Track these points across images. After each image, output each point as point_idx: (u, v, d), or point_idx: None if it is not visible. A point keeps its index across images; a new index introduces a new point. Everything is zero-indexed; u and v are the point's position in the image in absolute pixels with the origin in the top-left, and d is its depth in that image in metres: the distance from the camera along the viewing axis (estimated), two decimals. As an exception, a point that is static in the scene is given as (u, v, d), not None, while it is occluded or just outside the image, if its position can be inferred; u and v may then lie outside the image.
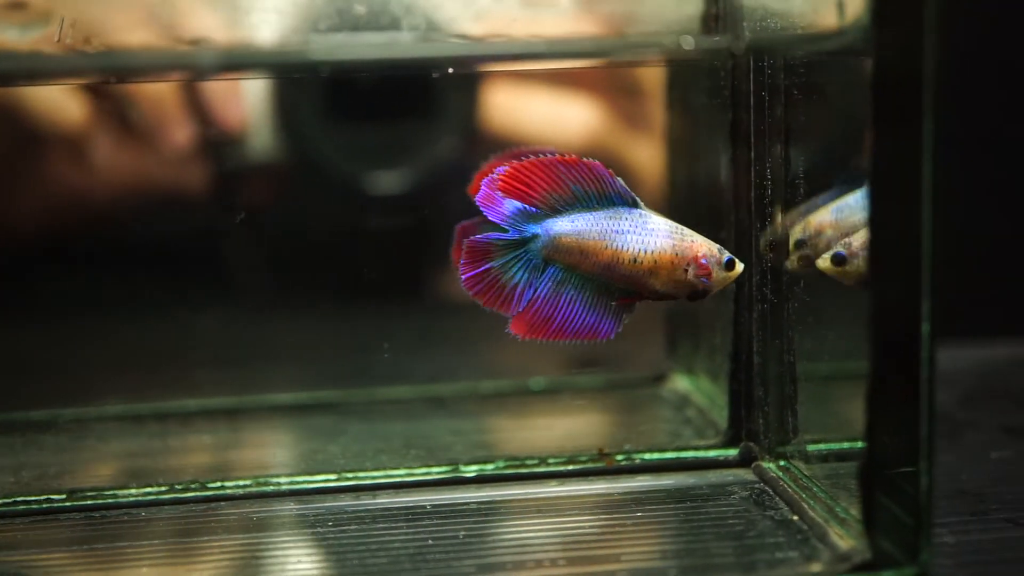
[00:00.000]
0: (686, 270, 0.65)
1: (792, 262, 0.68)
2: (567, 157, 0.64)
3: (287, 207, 0.88)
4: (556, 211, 0.65)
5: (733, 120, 0.73)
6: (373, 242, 0.89)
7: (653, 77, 0.87)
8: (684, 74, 0.81)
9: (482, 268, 0.65)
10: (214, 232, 0.87)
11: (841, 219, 0.66)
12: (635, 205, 0.65)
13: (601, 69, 0.87)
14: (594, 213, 0.65)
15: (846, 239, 0.63)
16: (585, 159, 0.64)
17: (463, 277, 0.65)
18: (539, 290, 0.65)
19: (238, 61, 0.72)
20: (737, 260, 0.66)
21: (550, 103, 0.88)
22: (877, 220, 0.54)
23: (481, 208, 0.65)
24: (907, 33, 0.52)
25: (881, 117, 0.53)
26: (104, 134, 0.84)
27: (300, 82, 0.85)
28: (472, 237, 0.65)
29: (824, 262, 0.64)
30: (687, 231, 0.66)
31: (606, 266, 0.65)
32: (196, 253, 0.87)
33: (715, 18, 0.74)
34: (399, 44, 0.71)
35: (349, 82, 0.85)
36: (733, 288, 0.73)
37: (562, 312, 0.65)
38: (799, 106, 0.64)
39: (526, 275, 0.65)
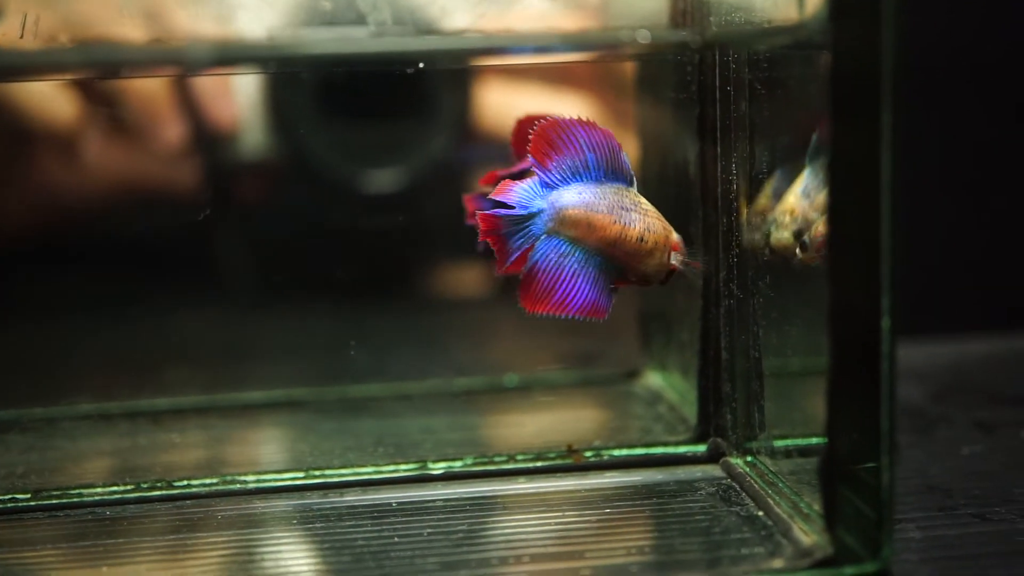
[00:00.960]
0: (668, 255, 0.65)
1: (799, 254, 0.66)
2: (589, 120, 0.64)
3: (266, 205, 0.88)
4: (565, 180, 0.64)
5: (700, 115, 0.72)
6: (349, 241, 0.88)
7: (624, 72, 0.87)
8: (653, 69, 0.81)
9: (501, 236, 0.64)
10: (189, 230, 0.86)
11: (813, 200, 0.65)
12: (631, 184, 0.65)
13: (571, 64, 0.86)
14: (600, 187, 0.64)
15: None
16: (602, 128, 0.64)
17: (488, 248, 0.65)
18: (541, 262, 0.64)
19: (225, 56, 0.71)
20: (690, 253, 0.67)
21: (520, 97, 0.88)
22: (836, 214, 0.54)
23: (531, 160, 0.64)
24: (864, 26, 0.52)
25: (839, 111, 0.53)
26: (91, 131, 0.84)
27: (285, 79, 0.84)
28: (481, 211, 0.64)
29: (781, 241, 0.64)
30: (662, 216, 0.66)
31: (612, 242, 0.64)
32: (171, 251, 0.87)
33: (683, 13, 0.74)
34: (360, 40, 0.71)
35: (336, 79, 0.84)
36: (701, 283, 0.74)
37: (564, 285, 0.65)
38: (762, 101, 0.64)
39: (531, 245, 0.65)
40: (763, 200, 0.67)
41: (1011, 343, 1.06)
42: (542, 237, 0.64)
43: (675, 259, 0.65)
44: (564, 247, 0.65)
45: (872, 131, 0.52)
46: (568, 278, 0.65)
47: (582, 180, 0.64)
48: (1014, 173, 1.10)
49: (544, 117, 0.64)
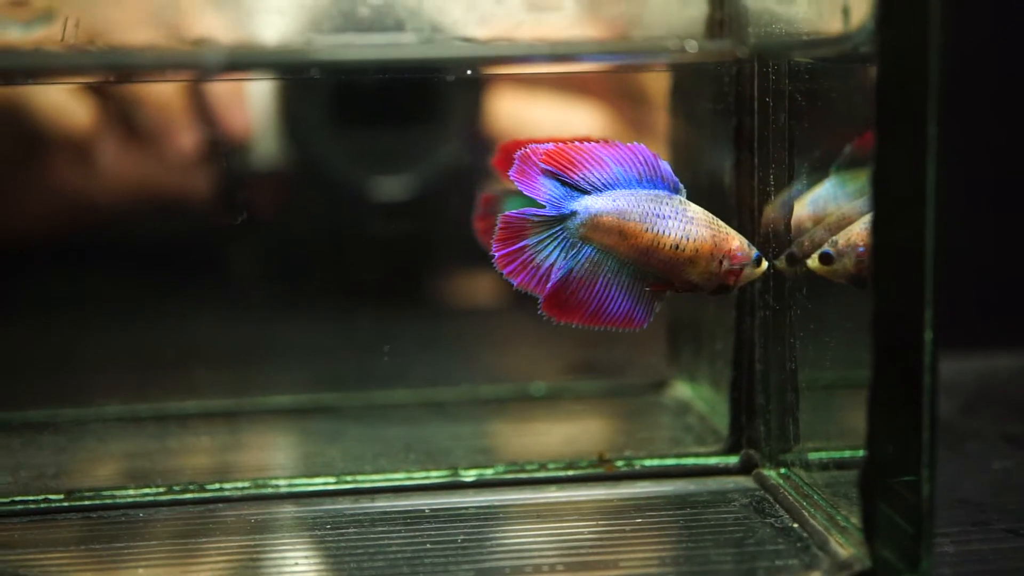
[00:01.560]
0: (721, 262, 0.63)
1: (780, 262, 0.67)
2: (608, 140, 0.63)
3: (289, 210, 0.88)
4: (596, 190, 0.63)
5: (737, 125, 0.72)
6: (374, 245, 0.89)
7: (658, 81, 0.87)
8: (689, 78, 0.81)
9: (517, 246, 0.62)
10: (215, 235, 0.87)
11: (818, 211, 0.65)
12: (676, 191, 0.64)
13: (606, 73, 0.86)
14: (636, 194, 0.63)
15: (833, 237, 0.62)
16: (629, 144, 0.63)
17: (497, 255, 0.62)
18: (575, 271, 0.63)
19: (242, 61, 0.72)
20: (764, 257, 0.65)
21: (553, 107, 0.88)
22: (880, 225, 0.54)
23: (516, 182, 0.62)
24: (912, 37, 0.52)
25: (885, 122, 0.53)
26: (106, 136, 0.84)
27: (302, 85, 0.85)
28: (507, 213, 0.62)
29: (813, 262, 0.63)
30: (722, 223, 0.64)
31: (644, 250, 0.63)
32: (197, 256, 0.87)
33: (720, 23, 0.74)
34: (402, 46, 0.71)
35: (351, 86, 0.84)
36: (736, 294, 0.73)
37: (598, 296, 0.63)
38: (803, 112, 0.64)
39: (561, 254, 0.63)
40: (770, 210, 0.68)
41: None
42: (574, 244, 0.63)
43: (727, 264, 0.63)
44: (596, 255, 0.64)
45: (919, 143, 0.52)
46: (602, 288, 0.64)
47: (615, 189, 0.63)
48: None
49: (526, 143, 0.63)
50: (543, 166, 0.62)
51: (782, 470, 0.69)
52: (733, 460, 0.73)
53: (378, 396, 0.87)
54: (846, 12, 0.57)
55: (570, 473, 0.72)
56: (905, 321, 0.54)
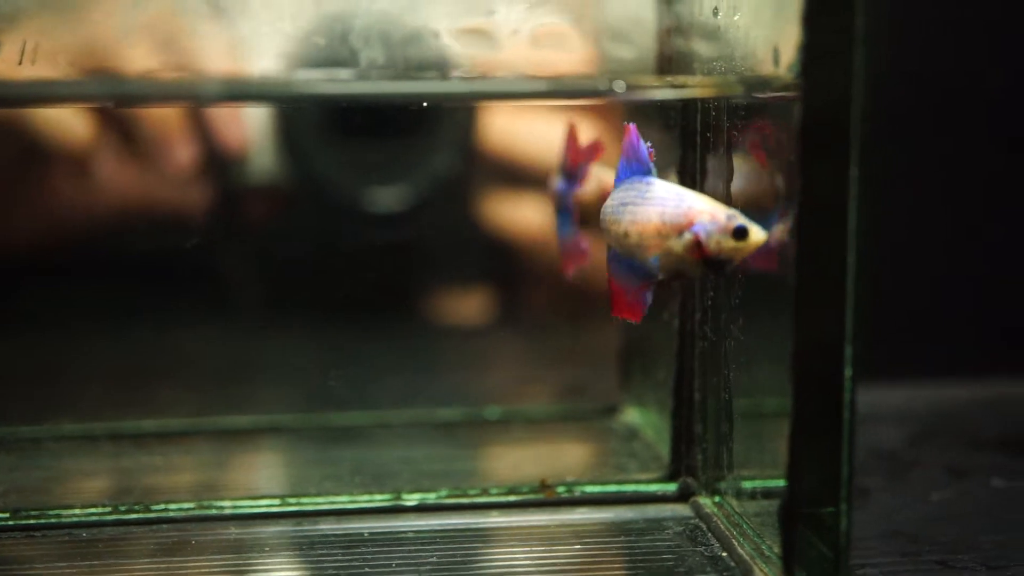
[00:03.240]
0: (681, 238, 0.59)
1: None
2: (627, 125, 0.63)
3: (254, 231, 0.89)
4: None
5: (682, 157, 0.74)
6: (334, 268, 0.90)
7: (616, 112, 0.88)
8: (642, 111, 0.82)
9: None
10: (176, 253, 0.88)
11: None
12: (648, 173, 0.62)
13: (561, 105, 0.88)
14: (619, 186, 0.63)
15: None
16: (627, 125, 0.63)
17: None
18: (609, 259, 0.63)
19: (237, 92, 0.72)
20: (754, 228, 0.58)
21: (523, 121, 0.89)
22: (803, 263, 0.55)
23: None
24: (835, 80, 0.53)
25: (809, 161, 0.54)
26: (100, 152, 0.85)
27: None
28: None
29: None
30: (691, 198, 0.60)
31: (616, 242, 0.62)
32: (156, 276, 0.88)
33: (668, 59, 0.76)
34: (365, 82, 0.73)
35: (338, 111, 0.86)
36: (678, 323, 0.75)
37: (612, 283, 0.63)
38: (739, 147, 0.65)
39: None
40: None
41: (992, 388, 1.07)
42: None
43: (689, 238, 0.59)
44: (609, 252, 0.64)
45: (840, 183, 0.54)
46: (613, 277, 0.63)
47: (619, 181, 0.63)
48: (999, 217, 1.11)
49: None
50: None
51: (716, 498, 0.70)
52: (671, 488, 0.74)
53: (334, 418, 0.88)
54: (776, 54, 0.58)
55: (511, 499, 0.73)
56: (825, 357, 0.55)
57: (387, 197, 0.88)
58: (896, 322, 1.10)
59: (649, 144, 0.63)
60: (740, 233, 0.58)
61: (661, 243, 0.60)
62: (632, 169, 0.63)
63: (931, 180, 1.08)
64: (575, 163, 0.75)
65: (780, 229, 0.59)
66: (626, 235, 0.61)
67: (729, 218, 0.59)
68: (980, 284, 1.11)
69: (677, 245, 0.59)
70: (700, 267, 0.59)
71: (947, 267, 1.10)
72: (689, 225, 0.59)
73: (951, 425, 0.98)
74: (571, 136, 0.76)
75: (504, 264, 0.91)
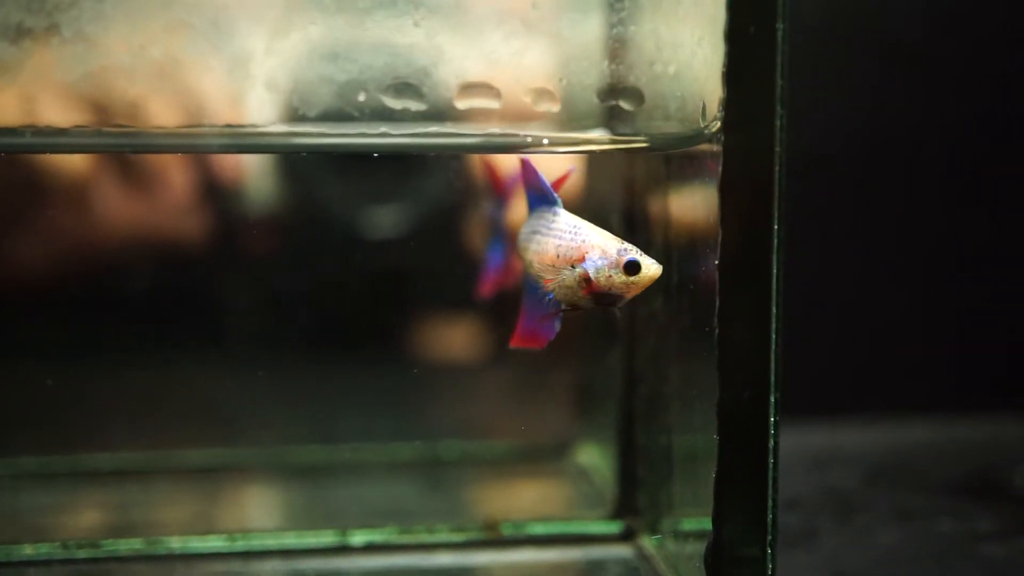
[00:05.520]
0: (572, 270, 0.60)
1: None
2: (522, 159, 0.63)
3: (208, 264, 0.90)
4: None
5: (628, 207, 0.75)
6: (293, 301, 0.90)
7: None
8: (593, 162, 0.84)
9: None
10: (139, 284, 0.88)
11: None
12: (554, 203, 0.62)
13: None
14: (531, 216, 0.63)
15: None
16: (524, 158, 0.63)
17: None
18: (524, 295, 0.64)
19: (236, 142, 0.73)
20: (645, 263, 0.59)
21: None
22: (726, 314, 0.57)
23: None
24: (756, 140, 0.55)
25: (729, 217, 0.56)
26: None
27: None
28: None
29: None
30: (588, 231, 0.60)
31: (526, 269, 0.63)
32: (120, 306, 0.89)
33: (610, 111, 0.77)
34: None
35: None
36: (623, 365, 0.76)
37: (519, 313, 0.63)
38: (675, 198, 0.67)
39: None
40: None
41: (944, 429, 1.08)
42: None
43: (580, 271, 0.59)
44: (524, 278, 0.64)
45: (763, 241, 0.55)
46: (526, 310, 0.63)
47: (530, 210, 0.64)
48: (951, 256, 1.13)
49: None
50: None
51: (656, 539, 0.71)
52: (615, 528, 0.75)
53: (287, 453, 0.89)
54: (703, 107, 0.60)
55: (457, 538, 0.74)
56: (750, 405, 0.57)
57: (349, 232, 0.89)
58: (848, 362, 1.12)
59: (572, 167, 0.65)
60: (631, 267, 0.58)
61: (556, 275, 0.60)
62: (541, 199, 0.63)
63: (884, 218, 1.10)
64: (500, 188, 0.77)
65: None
66: (530, 264, 0.62)
67: (620, 252, 0.59)
68: (939, 324, 1.13)
69: (569, 278, 0.59)
70: (591, 301, 0.60)
71: (902, 307, 1.12)
72: (580, 259, 0.59)
73: (904, 467, 0.99)
74: (490, 165, 0.78)
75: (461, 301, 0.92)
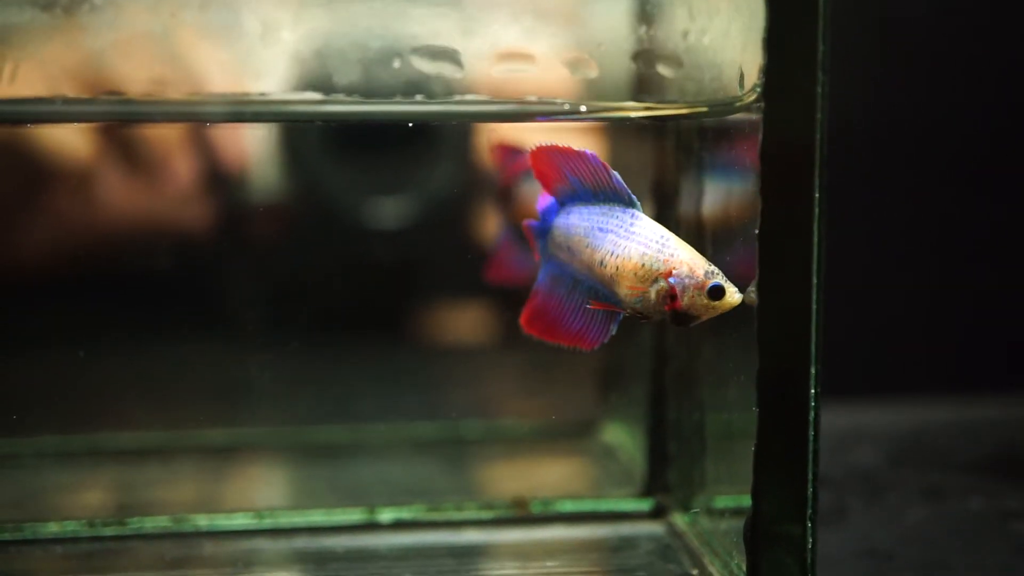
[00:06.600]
0: (656, 284, 0.58)
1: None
2: (563, 146, 0.60)
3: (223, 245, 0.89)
4: (563, 203, 0.62)
5: (658, 180, 0.74)
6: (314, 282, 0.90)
7: (593, 134, 0.89)
8: (617, 134, 0.83)
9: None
10: (148, 266, 0.88)
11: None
12: (631, 205, 0.60)
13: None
14: (590, 208, 0.60)
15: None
16: (582, 149, 0.60)
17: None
18: (539, 283, 0.62)
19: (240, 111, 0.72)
20: (730, 289, 0.57)
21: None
22: (766, 286, 0.56)
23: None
24: (797, 108, 0.54)
25: (770, 188, 0.55)
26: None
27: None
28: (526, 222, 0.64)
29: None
30: (675, 245, 0.58)
31: (587, 266, 0.60)
32: (129, 288, 0.88)
33: (642, 82, 0.76)
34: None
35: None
36: (653, 342, 0.75)
37: (553, 311, 0.62)
38: (708, 169, 0.66)
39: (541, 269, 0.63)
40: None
41: (973, 408, 1.07)
42: (546, 258, 0.63)
43: (665, 286, 0.57)
44: (557, 270, 0.62)
45: (804, 209, 0.54)
46: (557, 304, 0.62)
47: (574, 204, 0.61)
48: (979, 235, 1.12)
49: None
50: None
51: (688, 516, 0.71)
52: (646, 505, 0.74)
53: (313, 433, 0.88)
54: (741, 77, 0.59)
55: (486, 515, 0.74)
56: (790, 378, 0.56)
57: (370, 215, 0.88)
58: (876, 341, 1.11)
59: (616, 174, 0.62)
60: (716, 292, 0.57)
61: (635, 283, 0.58)
62: (600, 195, 0.61)
63: (919, 198, 1.09)
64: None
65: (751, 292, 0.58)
66: (602, 264, 0.59)
67: (708, 275, 0.57)
68: (961, 303, 1.12)
69: (651, 290, 0.58)
70: (668, 316, 0.58)
71: (929, 285, 1.11)
72: (667, 274, 0.58)
73: (931, 446, 0.98)
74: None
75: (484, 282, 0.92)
